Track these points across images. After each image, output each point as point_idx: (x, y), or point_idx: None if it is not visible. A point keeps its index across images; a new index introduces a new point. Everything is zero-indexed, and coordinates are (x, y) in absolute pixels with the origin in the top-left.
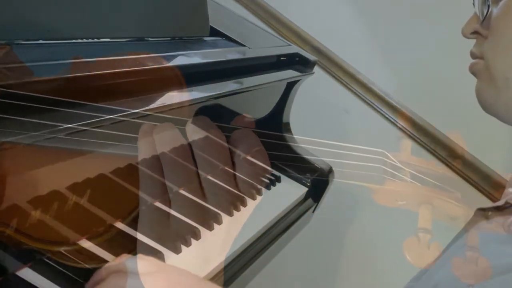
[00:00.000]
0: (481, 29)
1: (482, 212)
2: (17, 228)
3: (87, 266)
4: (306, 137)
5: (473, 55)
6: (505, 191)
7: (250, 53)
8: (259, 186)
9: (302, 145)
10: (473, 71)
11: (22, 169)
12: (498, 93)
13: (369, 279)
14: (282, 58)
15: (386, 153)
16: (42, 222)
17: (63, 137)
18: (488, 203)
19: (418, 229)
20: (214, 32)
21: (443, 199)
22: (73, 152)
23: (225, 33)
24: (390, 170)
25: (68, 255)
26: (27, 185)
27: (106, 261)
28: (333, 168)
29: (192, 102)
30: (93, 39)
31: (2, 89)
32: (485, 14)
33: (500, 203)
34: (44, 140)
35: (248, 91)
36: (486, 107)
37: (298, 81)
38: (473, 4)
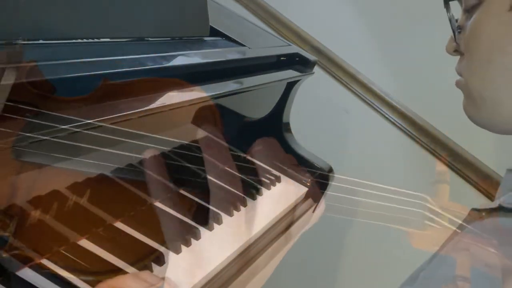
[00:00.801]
0: (458, 47)
1: (477, 213)
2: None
3: (87, 266)
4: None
5: (457, 72)
6: (498, 193)
7: (250, 53)
8: (259, 186)
9: (302, 145)
10: (458, 87)
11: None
12: (479, 110)
13: (369, 279)
14: (282, 58)
15: (427, 197)
16: (42, 224)
17: (62, 136)
18: (486, 202)
19: (457, 277)
20: (214, 32)
21: (481, 246)
22: (71, 152)
23: (225, 33)
24: (430, 215)
25: (68, 254)
26: (27, 187)
27: (106, 261)
28: (375, 211)
29: (192, 102)
30: (93, 39)
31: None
32: (454, 37)
33: (493, 205)
34: (45, 140)
35: (248, 91)
36: (473, 121)
37: (298, 81)
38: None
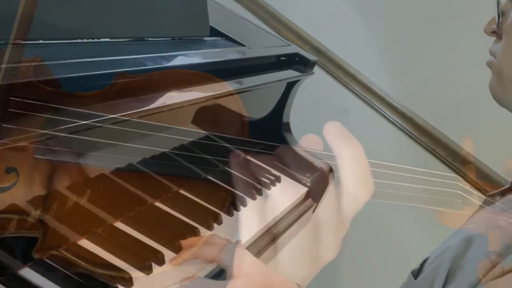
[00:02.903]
0: (497, 30)
1: (491, 198)
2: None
3: (87, 266)
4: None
5: (490, 52)
6: None
7: (250, 53)
8: (259, 186)
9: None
10: (489, 66)
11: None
12: (505, 90)
13: (369, 279)
14: (282, 58)
15: (459, 177)
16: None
17: (63, 135)
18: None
19: (489, 252)
20: (214, 32)
21: (509, 221)
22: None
23: (225, 33)
24: (464, 195)
25: (67, 254)
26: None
27: (106, 261)
28: (412, 193)
29: (192, 102)
30: (93, 39)
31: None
32: (497, 20)
33: (506, 186)
34: (45, 139)
35: (248, 91)
36: (496, 100)
37: (298, 81)
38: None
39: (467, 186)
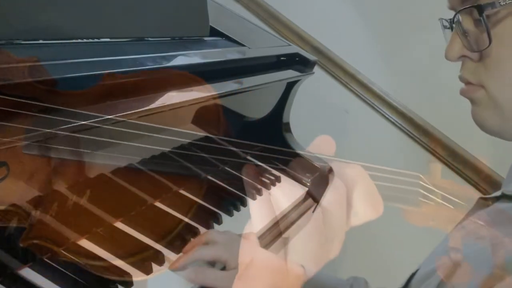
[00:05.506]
0: (470, 53)
1: (483, 201)
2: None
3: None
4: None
5: (464, 80)
6: (504, 181)
7: (250, 53)
8: (259, 186)
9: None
10: (471, 98)
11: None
12: (504, 121)
13: (369, 279)
14: (282, 58)
15: (421, 176)
16: (42, 222)
17: (63, 133)
18: None
19: (450, 249)
20: (214, 32)
21: (473, 221)
22: (71, 153)
23: (225, 33)
24: (424, 193)
25: (68, 254)
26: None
27: (106, 261)
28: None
29: (192, 102)
30: (93, 39)
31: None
32: (465, 41)
33: (497, 193)
34: (45, 139)
35: (248, 91)
36: (488, 132)
37: (298, 81)
38: (451, 26)
39: (427, 184)
